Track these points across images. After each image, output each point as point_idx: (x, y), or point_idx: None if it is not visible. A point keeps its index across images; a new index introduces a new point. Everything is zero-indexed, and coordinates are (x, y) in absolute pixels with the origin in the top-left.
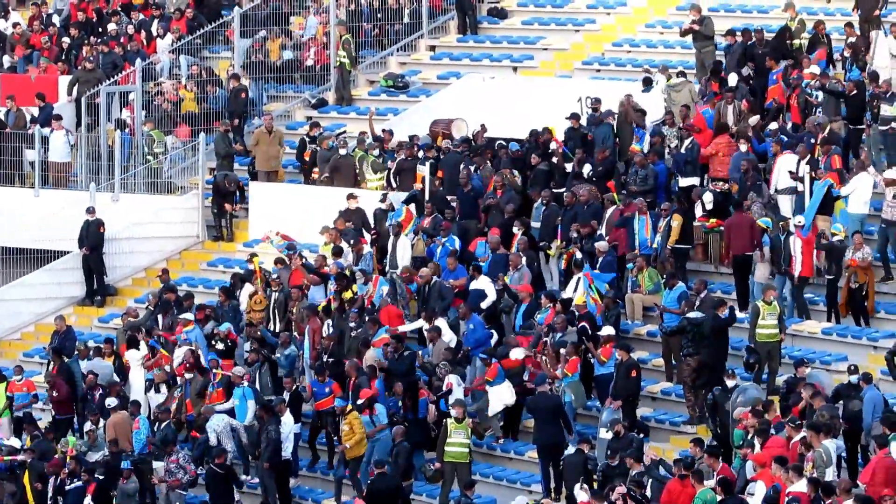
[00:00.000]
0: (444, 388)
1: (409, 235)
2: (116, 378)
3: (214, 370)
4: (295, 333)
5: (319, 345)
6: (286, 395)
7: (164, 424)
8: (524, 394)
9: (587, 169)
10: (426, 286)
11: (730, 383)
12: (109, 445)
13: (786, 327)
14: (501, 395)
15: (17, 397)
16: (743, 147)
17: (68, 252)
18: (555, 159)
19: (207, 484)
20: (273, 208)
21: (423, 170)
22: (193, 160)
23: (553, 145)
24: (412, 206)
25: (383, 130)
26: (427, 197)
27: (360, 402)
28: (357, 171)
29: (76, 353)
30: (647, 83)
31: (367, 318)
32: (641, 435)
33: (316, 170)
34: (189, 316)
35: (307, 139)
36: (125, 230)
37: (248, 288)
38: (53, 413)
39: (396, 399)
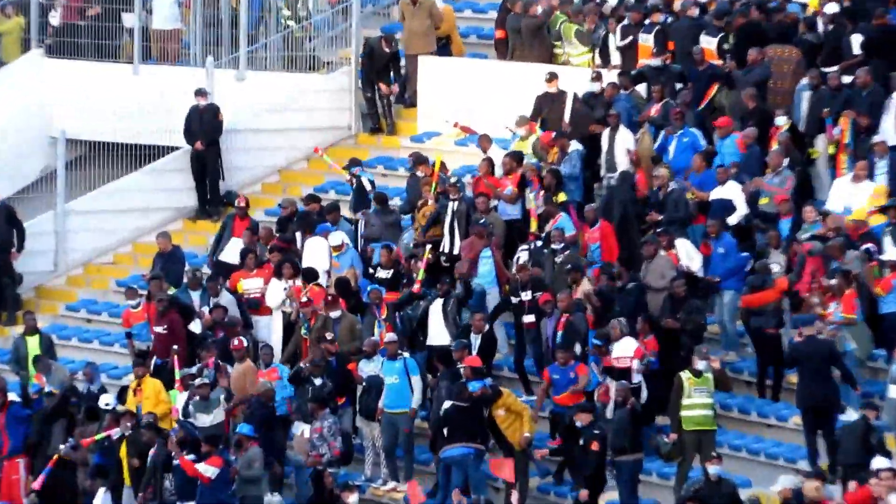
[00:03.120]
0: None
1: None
2: (240, 317)
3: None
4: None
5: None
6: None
7: (311, 377)
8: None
9: (858, 39)
10: (660, 192)
11: None
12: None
13: None
14: None
15: (136, 330)
16: None
17: (175, 148)
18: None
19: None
20: (448, 90)
21: (648, 39)
22: (345, 26)
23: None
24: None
25: None
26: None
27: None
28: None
29: (184, 281)
30: None
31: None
32: None
33: None
34: (338, 238)
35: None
36: (251, 119)
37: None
38: (155, 358)
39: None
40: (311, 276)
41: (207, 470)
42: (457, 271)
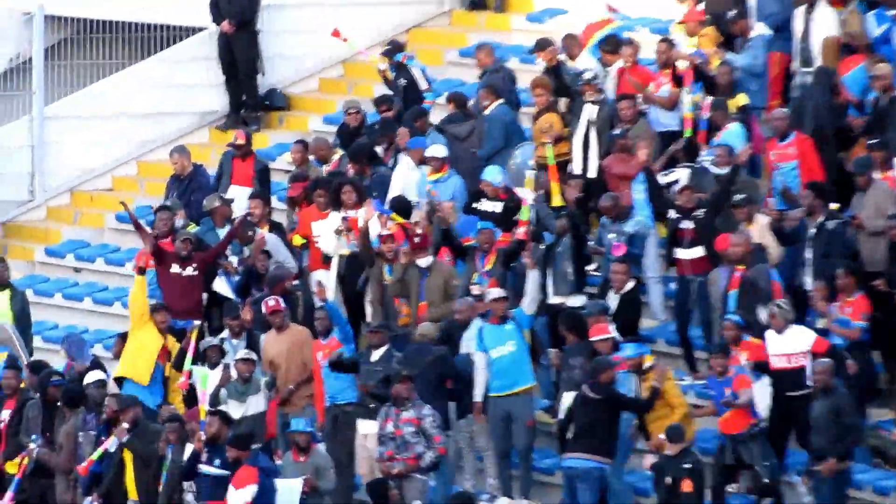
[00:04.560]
0: None
1: None
2: (293, 262)
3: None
4: None
5: None
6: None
7: (377, 343)
8: None
9: None
10: (877, 97)
11: None
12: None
13: None
14: None
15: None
16: None
17: (197, 30)
18: None
19: None
20: None
21: None
22: None
23: None
24: None
25: None
26: None
27: None
28: None
29: (210, 208)
30: None
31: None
32: None
33: None
34: (440, 153)
35: None
36: None
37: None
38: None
39: None
40: (401, 208)
41: (241, 498)
42: (601, 206)
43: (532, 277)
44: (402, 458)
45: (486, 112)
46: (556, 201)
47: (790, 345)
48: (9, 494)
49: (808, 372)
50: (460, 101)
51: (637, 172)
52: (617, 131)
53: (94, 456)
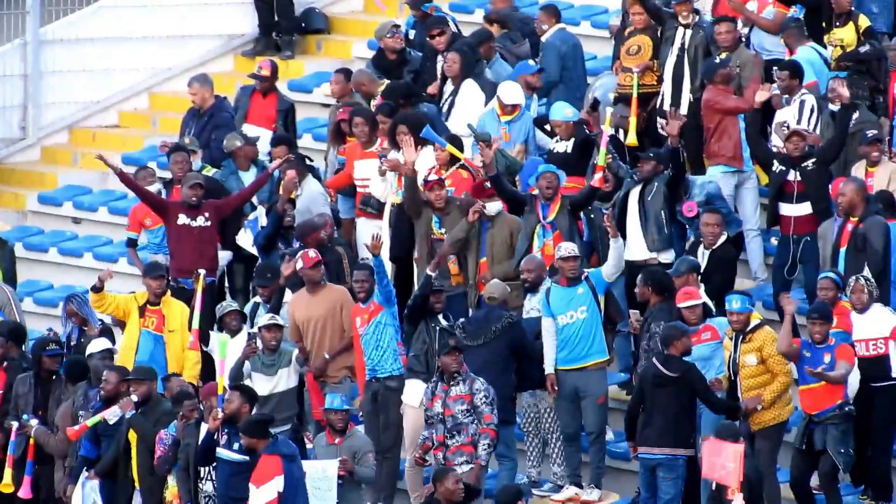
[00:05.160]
0: None
1: None
2: (327, 208)
3: None
4: None
5: None
6: None
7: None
8: None
9: None
10: None
11: None
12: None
13: None
14: None
15: (154, 237)
16: None
17: None
18: None
19: None
20: None
21: None
22: None
23: None
24: None
25: None
26: None
27: None
28: None
29: (231, 149)
30: None
31: None
32: None
33: None
34: (513, 94)
35: None
36: None
37: None
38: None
39: None
40: (458, 146)
41: (267, 495)
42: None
43: (616, 245)
44: (459, 447)
45: (543, 38)
46: (632, 140)
47: (870, 328)
48: (26, 480)
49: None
50: (503, 21)
51: (748, 108)
52: (719, 59)
53: (90, 422)
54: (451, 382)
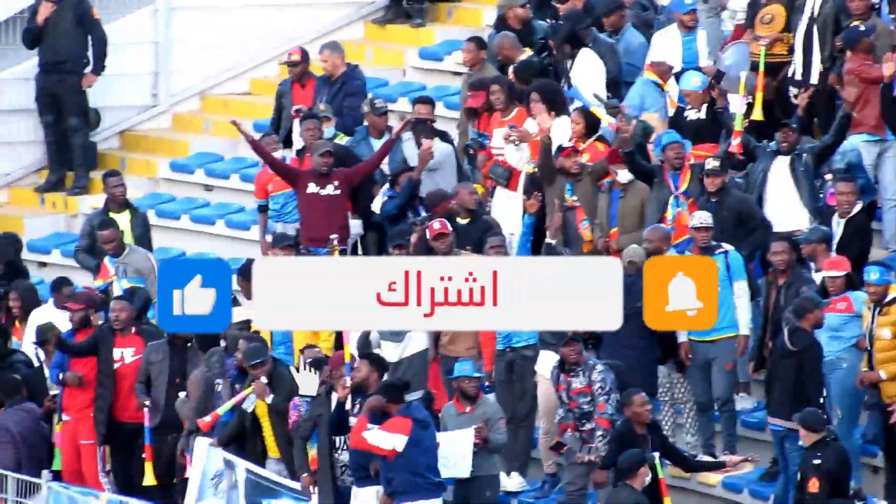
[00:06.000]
0: None
1: None
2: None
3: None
4: None
5: None
6: None
7: None
8: None
9: None
10: None
11: None
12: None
13: None
14: None
15: (277, 202)
16: None
17: None
18: None
19: None
20: None
21: None
22: None
23: None
24: None
25: None
26: None
27: None
28: None
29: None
30: None
31: None
32: None
33: None
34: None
35: None
36: None
37: None
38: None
39: None
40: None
41: (388, 441)
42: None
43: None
44: (592, 429)
45: None
46: (757, 114)
47: None
48: (147, 447)
49: None
50: None
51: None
52: (861, 27)
53: (222, 410)
54: (571, 373)
